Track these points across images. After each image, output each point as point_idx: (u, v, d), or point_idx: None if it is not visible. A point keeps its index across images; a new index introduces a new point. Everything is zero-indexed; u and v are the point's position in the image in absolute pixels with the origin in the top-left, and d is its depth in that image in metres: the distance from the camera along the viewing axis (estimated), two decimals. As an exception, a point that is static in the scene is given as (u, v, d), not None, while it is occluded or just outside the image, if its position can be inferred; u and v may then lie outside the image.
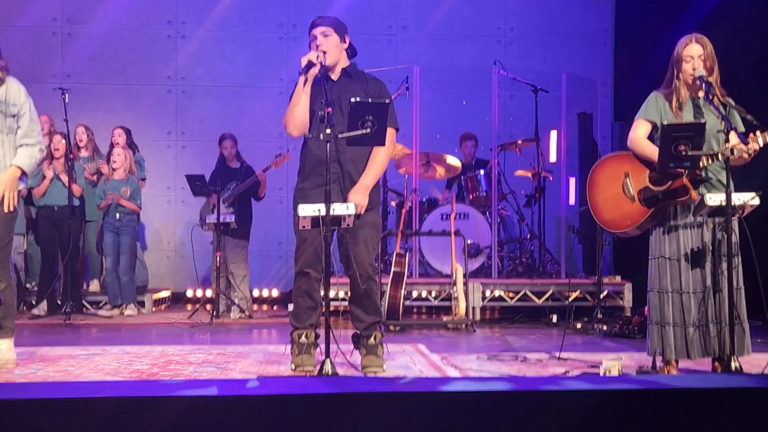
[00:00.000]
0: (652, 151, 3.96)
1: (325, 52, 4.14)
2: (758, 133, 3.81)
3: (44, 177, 7.39)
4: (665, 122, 3.87)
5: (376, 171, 4.21)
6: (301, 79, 4.13)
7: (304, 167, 4.30)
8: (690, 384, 3.10)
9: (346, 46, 4.28)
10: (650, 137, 4.10)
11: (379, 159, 4.20)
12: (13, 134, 4.46)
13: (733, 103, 4.02)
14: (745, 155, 3.83)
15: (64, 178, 7.32)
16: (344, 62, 4.30)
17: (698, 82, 3.99)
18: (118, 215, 7.59)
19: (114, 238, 7.60)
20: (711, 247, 3.97)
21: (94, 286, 8.20)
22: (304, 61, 4.09)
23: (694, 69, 3.99)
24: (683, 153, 3.75)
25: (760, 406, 2.83)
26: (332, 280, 3.79)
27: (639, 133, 4.09)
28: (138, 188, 7.75)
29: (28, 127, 4.46)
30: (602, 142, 8.95)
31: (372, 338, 4.29)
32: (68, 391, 2.80)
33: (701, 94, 4.06)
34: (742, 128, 3.96)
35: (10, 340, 4.51)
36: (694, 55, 4.01)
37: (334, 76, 4.26)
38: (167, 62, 9.45)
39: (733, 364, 3.73)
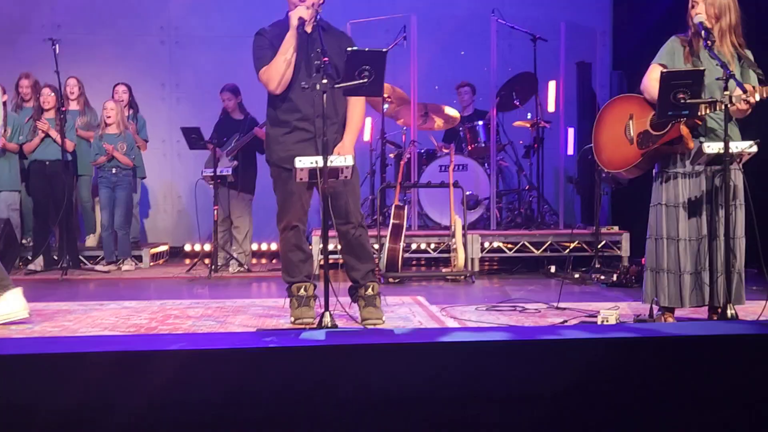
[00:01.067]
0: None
1: (317, 10, 4.11)
2: (757, 87, 3.77)
3: (35, 134, 7.28)
4: (664, 70, 3.82)
5: (357, 126, 4.28)
6: (293, 35, 4.09)
7: (285, 119, 4.22)
8: (687, 332, 3.11)
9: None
10: None
11: (358, 113, 4.27)
12: None
13: (750, 56, 3.95)
14: (745, 105, 3.79)
15: (53, 133, 7.22)
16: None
17: (698, 28, 3.93)
18: (114, 170, 7.52)
19: (109, 192, 7.54)
20: (709, 196, 3.95)
21: (91, 240, 8.16)
22: (295, 18, 4.04)
23: (696, 14, 3.93)
24: (682, 101, 3.71)
25: (756, 352, 2.84)
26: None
27: (652, 75, 4.02)
28: (133, 142, 7.65)
29: None
30: (601, 91, 8.86)
31: (369, 289, 4.31)
32: (66, 346, 2.80)
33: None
34: (755, 82, 3.91)
35: None
36: None
37: (308, 28, 4.21)
38: (159, 12, 9.30)
39: (729, 312, 3.74)
